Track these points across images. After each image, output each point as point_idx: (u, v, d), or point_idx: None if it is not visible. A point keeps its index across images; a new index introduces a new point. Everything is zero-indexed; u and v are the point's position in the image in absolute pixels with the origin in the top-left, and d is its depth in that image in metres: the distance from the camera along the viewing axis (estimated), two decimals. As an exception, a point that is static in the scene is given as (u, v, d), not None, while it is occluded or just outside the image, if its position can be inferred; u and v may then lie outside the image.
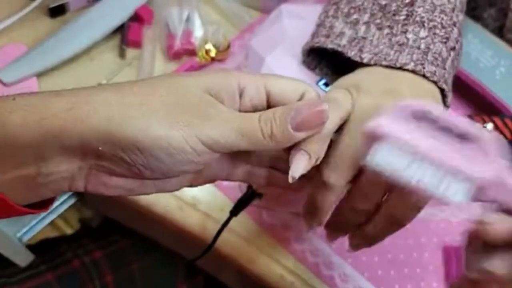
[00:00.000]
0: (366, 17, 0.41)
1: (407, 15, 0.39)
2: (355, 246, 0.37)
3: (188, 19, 0.54)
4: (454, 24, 0.40)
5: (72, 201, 0.57)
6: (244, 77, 0.29)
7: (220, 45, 0.53)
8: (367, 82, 0.36)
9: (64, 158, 0.26)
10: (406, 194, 0.31)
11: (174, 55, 0.53)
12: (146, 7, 0.54)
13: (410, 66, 0.37)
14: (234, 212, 0.42)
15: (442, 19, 0.39)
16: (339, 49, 0.40)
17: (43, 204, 0.29)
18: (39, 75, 0.49)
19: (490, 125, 0.52)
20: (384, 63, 0.37)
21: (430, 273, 0.49)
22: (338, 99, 0.33)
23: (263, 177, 0.33)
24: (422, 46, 0.38)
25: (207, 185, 0.47)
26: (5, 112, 0.25)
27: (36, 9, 0.51)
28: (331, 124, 0.31)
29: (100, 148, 0.26)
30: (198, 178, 0.32)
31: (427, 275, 0.49)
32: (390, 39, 0.39)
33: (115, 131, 0.26)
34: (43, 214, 0.59)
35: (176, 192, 0.46)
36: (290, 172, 0.29)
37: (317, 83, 0.45)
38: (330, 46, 0.41)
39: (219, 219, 0.46)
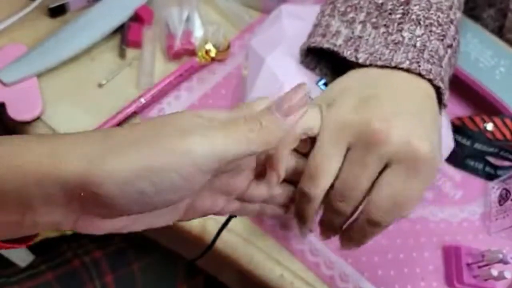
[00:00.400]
0: (362, 16, 0.41)
1: (403, 14, 0.39)
2: (344, 245, 0.37)
3: (188, 19, 0.54)
4: (451, 22, 0.40)
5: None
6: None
7: (220, 45, 0.53)
8: (346, 93, 0.35)
9: (48, 208, 0.25)
10: (383, 198, 0.32)
11: (174, 55, 0.53)
12: (146, 7, 0.54)
13: (405, 64, 0.36)
14: (234, 212, 0.42)
15: (439, 16, 0.39)
16: (335, 49, 0.40)
17: (26, 239, 0.28)
18: (39, 75, 0.49)
19: (490, 125, 0.52)
20: (379, 63, 0.37)
21: (430, 273, 0.49)
22: (307, 115, 0.33)
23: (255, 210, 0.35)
24: (418, 44, 0.38)
25: (207, 185, 0.47)
26: None
27: (36, 9, 0.51)
28: (287, 144, 0.32)
29: (82, 194, 0.25)
30: (189, 212, 0.31)
31: (427, 275, 0.49)
32: (385, 38, 0.38)
33: (92, 173, 0.24)
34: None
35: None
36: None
37: (317, 83, 0.45)
38: (326, 45, 0.41)
39: (219, 219, 0.46)
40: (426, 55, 0.37)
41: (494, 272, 0.45)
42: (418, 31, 0.38)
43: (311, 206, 0.34)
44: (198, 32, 0.54)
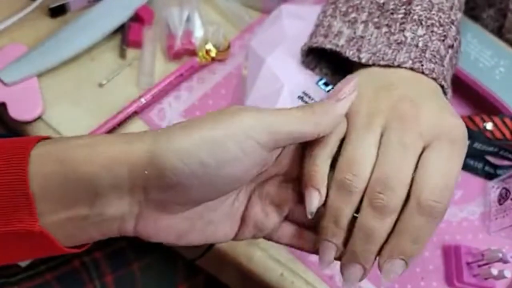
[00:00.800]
0: (364, 16, 0.41)
1: (405, 14, 0.39)
2: (387, 271, 0.32)
3: (188, 19, 0.55)
4: (452, 22, 0.40)
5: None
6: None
7: (220, 45, 0.53)
8: (360, 86, 0.34)
9: (114, 195, 0.27)
10: (434, 177, 0.30)
11: (174, 55, 0.53)
12: (146, 7, 0.54)
13: (408, 64, 0.37)
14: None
15: (440, 17, 0.39)
16: (337, 49, 0.40)
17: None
18: (40, 75, 0.49)
19: (490, 125, 0.52)
20: (382, 63, 0.37)
21: (430, 273, 0.49)
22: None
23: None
24: (420, 44, 0.38)
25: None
26: (69, 148, 0.27)
27: (36, 9, 0.51)
28: (326, 150, 0.31)
29: (146, 172, 0.26)
30: (244, 224, 0.32)
31: (427, 274, 0.49)
32: (388, 38, 0.39)
33: (158, 148, 0.26)
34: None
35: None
36: (307, 209, 0.30)
37: (317, 82, 0.45)
38: (328, 46, 0.41)
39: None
40: (428, 55, 0.37)
41: (494, 271, 0.45)
42: (420, 31, 0.38)
43: (349, 203, 0.30)
44: (199, 32, 0.54)
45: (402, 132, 0.30)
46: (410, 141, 0.30)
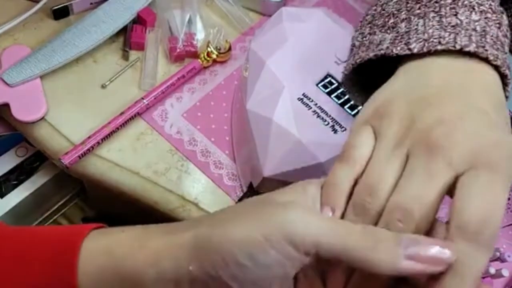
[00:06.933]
0: (403, 15, 0.37)
1: (453, 0, 0.35)
2: None
3: (190, 22, 0.55)
4: (502, 12, 0.36)
5: (74, 200, 0.58)
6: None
7: (222, 47, 0.54)
8: (394, 100, 0.31)
9: None
10: (470, 205, 0.26)
11: (176, 57, 0.53)
12: (148, 9, 0.54)
13: (472, 47, 0.31)
14: (236, 211, 0.42)
15: (491, 5, 0.35)
16: (382, 52, 0.35)
17: None
18: (43, 76, 0.49)
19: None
20: (439, 47, 0.32)
21: (428, 272, 0.50)
22: (352, 146, 0.30)
23: None
24: (478, 28, 0.33)
25: (209, 185, 0.48)
26: (115, 246, 0.27)
27: (39, 11, 0.52)
28: (342, 194, 0.28)
29: (190, 268, 0.26)
30: None
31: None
32: (439, 21, 0.33)
33: (201, 244, 0.26)
34: (46, 213, 0.59)
35: (179, 191, 0.47)
36: None
37: (317, 84, 0.46)
38: (371, 54, 0.35)
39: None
40: (489, 40, 0.32)
41: (492, 270, 0.45)
42: (475, 16, 0.34)
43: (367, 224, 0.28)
44: (200, 35, 0.55)
45: (428, 159, 0.27)
46: (436, 170, 0.27)
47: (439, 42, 0.32)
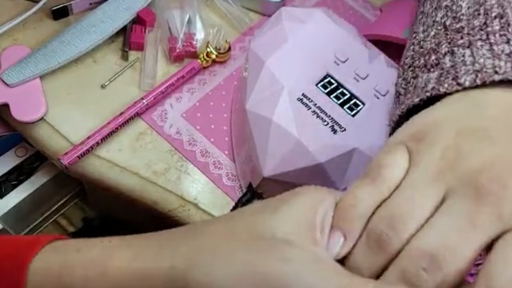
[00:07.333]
0: (445, 48, 0.33)
1: (502, 26, 0.31)
2: None
3: (189, 22, 0.55)
4: None
5: (74, 200, 0.58)
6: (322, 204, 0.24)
7: (221, 47, 0.54)
8: (441, 126, 0.26)
9: None
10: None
11: (176, 58, 0.53)
12: (148, 9, 0.54)
13: None
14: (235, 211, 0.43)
15: None
16: (427, 95, 0.31)
17: None
18: (42, 76, 0.49)
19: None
20: (496, 77, 0.28)
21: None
22: (382, 165, 0.25)
23: None
24: None
25: (209, 185, 0.48)
26: (67, 269, 0.24)
27: (39, 12, 0.52)
28: (364, 209, 0.24)
29: None
30: None
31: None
32: (490, 50, 0.30)
33: (178, 284, 0.23)
34: (46, 214, 0.59)
35: (179, 192, 0.47)
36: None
37: (316, 84, 0.46)
38: (416, 100, 0.31)
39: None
40: None
41: None
42: None
43: (375, 262, 0.23)
44: (200, 35, 0.55)
45: (473, 205, 0.22)
46: (481, 221, 0.22)
47: (496, 72, 0.28)
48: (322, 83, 0.46)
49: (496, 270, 0.22)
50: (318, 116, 0.44)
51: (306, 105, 0.45)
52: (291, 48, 0.47)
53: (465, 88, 0.29)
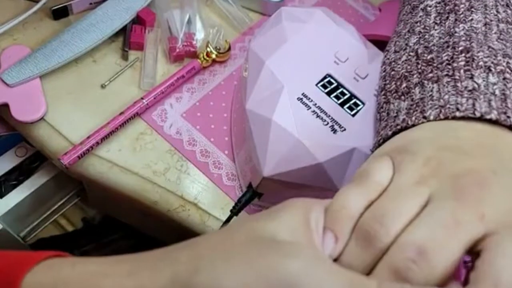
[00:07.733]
0: (415, 78, 0.35)
1: (467, 61, 0.33)
2: None
3: (189, 22, 0.55)
4: None
5: (74, 200, 0.58)
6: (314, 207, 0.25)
7: (221, 47, 0.54)
8: (422, 142, 0.28)
9: None
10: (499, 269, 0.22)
11: (176, 57, 0.53)
12: (148, 9, 0.54)
13: (493, 115, 0.29)
14: (235, 211, 0.43)
15: (508, 62, 0.33)
16: (398, 127, 0.33)
17: None
18: (42, 76, 0.49)
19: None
20: (457, 114, 0.30)
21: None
22: (369, 171, 0.27)
23: None
24: (497, 92, 0.30)
25: (209, 185, 0.48)
26: (61, 285, 0.24)
27: (39, 12, 0.52)
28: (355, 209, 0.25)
29: None
30: None
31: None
32: (454, 86, 0.31)
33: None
34: (46, 213, 0.59)
35: (179, 192, 0.47)
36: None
37: (316, 84, 0.46)
38: (389, 132, 0.33)
39: (220, 217, 0.47)
40: (510, 105, 0.30)
41: None
42: (492, 79, 0.31)
43: (366, 258, 0.23)
44: (199, 34, 0.55)
45: (456, 206, 0.23)
46: (466, 220, 0.23)
47: (457, 109, 0.30)
48: (322, 83, 0.46)
49: (495, 270, 0.22)
50: (318, 116, 0.44)
51: (306, 105, 0.45)
52: (291, 48, 0.47)
53: (430, 121, 0.31)
